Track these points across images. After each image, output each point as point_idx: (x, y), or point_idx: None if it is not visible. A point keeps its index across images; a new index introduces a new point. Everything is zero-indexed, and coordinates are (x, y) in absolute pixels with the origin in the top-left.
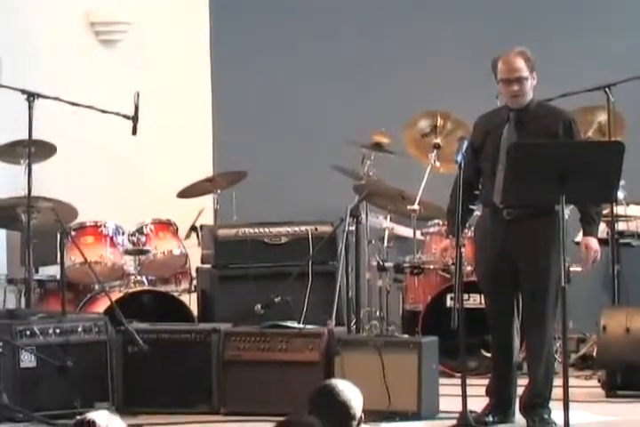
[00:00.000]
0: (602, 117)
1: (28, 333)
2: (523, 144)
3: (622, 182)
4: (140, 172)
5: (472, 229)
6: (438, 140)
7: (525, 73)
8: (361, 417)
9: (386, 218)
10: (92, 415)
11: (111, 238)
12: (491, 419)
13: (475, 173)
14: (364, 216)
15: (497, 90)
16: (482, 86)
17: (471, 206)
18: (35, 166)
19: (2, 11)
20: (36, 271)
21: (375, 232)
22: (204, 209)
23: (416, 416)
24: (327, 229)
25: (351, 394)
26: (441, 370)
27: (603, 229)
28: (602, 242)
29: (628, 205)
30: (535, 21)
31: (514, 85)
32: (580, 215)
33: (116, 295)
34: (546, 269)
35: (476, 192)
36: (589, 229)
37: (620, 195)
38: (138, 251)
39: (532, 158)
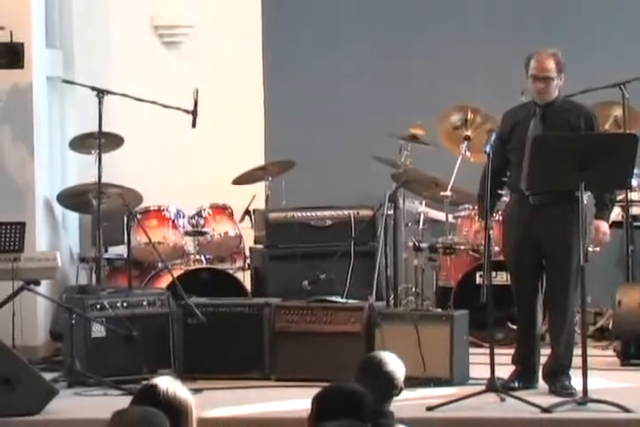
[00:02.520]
0: (617, 112)
1: (98, 306)
2: (546, 136)
3: (636, 170)
4: (198, 161)
5: (500, 213)
6: (469, 133)
7: (553, 74)
8: (402, 386)
9: (421, 203)
10: (156, 381)
11: (173, 221)
12: (516, 385)
13: (503, 161)
14: (401, 201)
15: (522, 87)
16: (508, 84)
17: (500, 192)
18: (104, 156)
19: (79, 16)
20: (106, 251)
21: (411, 216)
22: (256, 195)
23: (448, 382)
24: (368, 212)
25: (396, 366)
26: (471, 341)
27: (618, 212)
28: (617, 224)
29: None
30: (560, 22)
31: (541, 83)
32: (595, 201)
33: (177, 272)
34: (567, 249)
35: (504, 179)
36: (601, 213)
37: (634, 182)
38: (197, 232)
39: (554, 149)
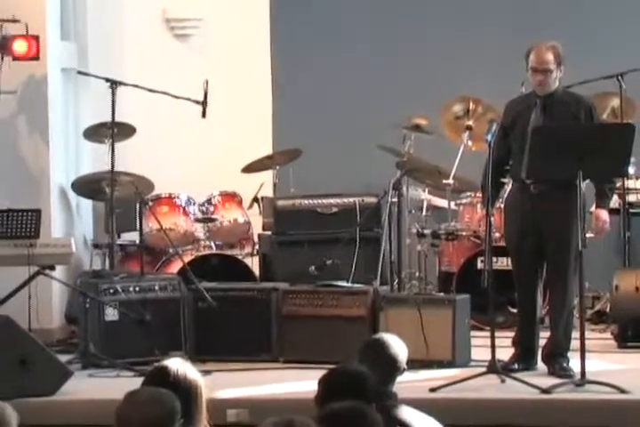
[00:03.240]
0: (614, 102)
1: (111, 290)
2: (546, 127)
3: (633, 159)
4: (208, 150)
5: (501, 200)
6: (470, 123)
7: (552, 66)
8: (405, 368)
9: (424, 191)
10: (167, 362)
11: (184, 208)
12: (516, 367)
13: (506, 151)
14: (404, 189)
15: (523, 78)
16: (509, 75)
17: (502, 180)
18: (117, 145)
19: (91, 9)
20: (118, 237)
21: (415, 203)
22: (264, 183)
23: (451, 364)
24: (372, 200)
25: (399, 349)
26: (472, 324)
27: (615, 200)
28: (615, 212)
29: (637, 179)
30: (560, 15)
31: (540, 75)
32: (594, 190)
33: (187, 258)
34: (566, 236)
35: (507, 168)
36: (601, 202)
37: (631, 170)
38: (207, 219)
39: (553, 139)
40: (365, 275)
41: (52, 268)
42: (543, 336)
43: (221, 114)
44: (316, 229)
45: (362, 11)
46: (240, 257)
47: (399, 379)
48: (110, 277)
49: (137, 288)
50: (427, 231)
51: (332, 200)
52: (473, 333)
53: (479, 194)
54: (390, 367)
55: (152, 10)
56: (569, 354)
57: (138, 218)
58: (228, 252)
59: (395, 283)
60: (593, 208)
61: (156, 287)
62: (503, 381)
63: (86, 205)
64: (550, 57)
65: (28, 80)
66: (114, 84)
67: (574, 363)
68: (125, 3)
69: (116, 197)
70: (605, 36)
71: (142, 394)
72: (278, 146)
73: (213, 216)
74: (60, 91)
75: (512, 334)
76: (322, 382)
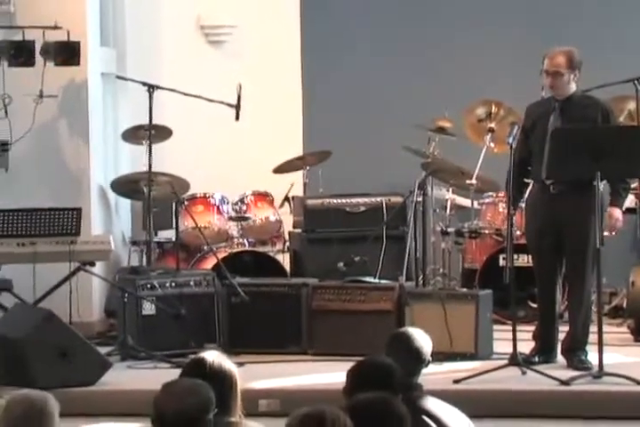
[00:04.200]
0: (631, 105)
1: (148, 286)
2: (564, 129)
3: None
4: (241, 151)
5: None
6: (492, 125)
7: (563, 69)
8: (429, 360)
9: (448, 190)
10: (204, 354)
11: (218, 207)
12: (536, 359)
13: (527, 153)
14: (429, 189)
15: (542, 83)
16: (530, 80)
17: (525, 180)
18: (154, 147)
19: (131, 17)
20: (155, 234)
21: (439, 202)
22: (295, 183)
23: (473, 357)
24: (399, 199)
25: (424, 342)
26: (495, 318)
27: (632, 200)
28: (631, 211)
29: None
30: (578, 23)
31: (550, 77)
32: (610, 189)
33: (221, 255)
34: (584, 234)
35: (530, 168)
36: (615, 201)
37: None
38: (240, 218)
39: (571, 141)
40: (392, 271)
41: (92, 264)
42: (562, 330)
43: (254, 117)
44: (344, 227)
45: (390, 15)
46: (271, 254)
47: (424, 371)
48: (147, 273)
49: (173, 283)
50: (450, 229)
51: (359, 199)
52: (495, 326)
53: (501, 194)
54: (415, 360)
55: (187, 17)
56: (587, 347)
57: (174, 216)
58: (260, 249)
59: (420, 279)
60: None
61: (192, 283)
62: (524, 373)
63: (125, 203)
64: (562, 60)
65: (69, 85)
66: (151, 88)
67: (592, 356)
68: (162, 10)
69: (154, 196)
70: (623, 41)
71: (179, 385)
72: (308, 147)
73: (246, 215)
74: (100, 95)
75: (532, 328)
76: (350, 373)
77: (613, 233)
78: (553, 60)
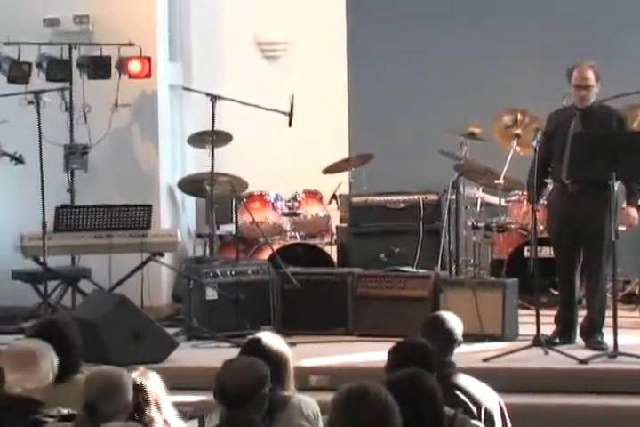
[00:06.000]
0: None
1: (211, 274)
2: (584, 133)
3: None
4: (294, 154)
5: (544, 198)
6: (518, 131)
7: (592, 82)
8: (461, 341)
9: (478, 189)
10: (260, 335)
11: (273, 204)
12: (557, 341)
13: (548, 155)
14: (461, 188)
15: (564, 92)
16: (552, 90)
17: (545, 180)
18: (216, 150)
19: (195, 34)
20: (217, 228)
21: (470, 200)
22: (342, 182)
23: (501, 338)
24: (434, 197)
25: (455, 324)
26: (520, 304)
27: None
28: None
29: None
30: (600, 37)
31: (582, 91)
32: (625, 190)
33: (276, 246)
34: (600, 228)
35: (549, 169)
36: (630, 200)
37: None
38: (292, 213)
39: (591, 144)
40: (428, 261)
41: (161, 254)
42: (581, 315)
43: (305, 123)
44: (385, 221)
45: (429, 31)
46: (320, 246)
47: (456, 350)
48: (210, 263)
49: (233, 272)
50: (480, 224)
51: (399, 197)
52: (520, 311)
53: (526, 192)
54: (448, 340)
55: (246, 35)
56: (603, 330)
57: (234, 212)
58: (311, 241)
59: (453, 268)
60: (624, 205)
61: (249, 271)
62: (546, 353)
63: (190, 201)
64: (591, 74)
65: (141, 95)
66: (213, 98)
67: (607, 338)
68: (224, 28)
69: (216, 194)
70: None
71: (238, 362)
72: (354, 150)
73: (298, 211)
74: (168, 104)
75: (554, 312)
76: (391, 352)
77: (630, 228)
78: (584, 75)
